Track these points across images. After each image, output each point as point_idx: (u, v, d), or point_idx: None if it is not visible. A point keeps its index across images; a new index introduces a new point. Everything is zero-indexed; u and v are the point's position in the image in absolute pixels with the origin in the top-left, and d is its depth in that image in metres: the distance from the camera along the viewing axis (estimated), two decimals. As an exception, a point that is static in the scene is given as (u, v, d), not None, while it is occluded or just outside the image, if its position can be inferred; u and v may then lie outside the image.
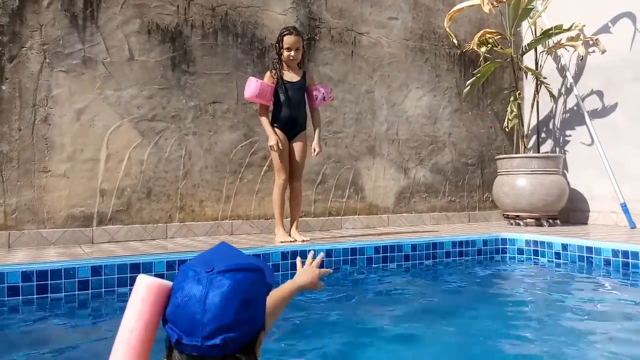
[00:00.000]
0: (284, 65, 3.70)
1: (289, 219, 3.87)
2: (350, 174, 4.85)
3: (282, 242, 3.57)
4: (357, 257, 3.44)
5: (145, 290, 0.94)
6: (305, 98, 3.79)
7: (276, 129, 3.67)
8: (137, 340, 0.93)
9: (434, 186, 5.26)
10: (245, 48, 4.41)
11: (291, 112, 3.69)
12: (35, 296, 2.53)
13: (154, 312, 0.93)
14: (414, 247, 3.63)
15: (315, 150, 3.76)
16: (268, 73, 3.70)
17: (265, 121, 3.67)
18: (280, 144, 3.61)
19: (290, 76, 3.71)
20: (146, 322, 0.93)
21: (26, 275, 2.54)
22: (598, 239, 3.59)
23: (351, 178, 4.85)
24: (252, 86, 3.59)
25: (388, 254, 3.53)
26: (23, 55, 3.68)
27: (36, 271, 2.56)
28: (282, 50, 3.65)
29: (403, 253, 3.58)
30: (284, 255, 3.23)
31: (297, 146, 3.72)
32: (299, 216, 3.88)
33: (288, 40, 3.62)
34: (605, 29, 4.98)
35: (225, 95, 4.33)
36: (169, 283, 0.95)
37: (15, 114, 3.65)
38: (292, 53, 3.63)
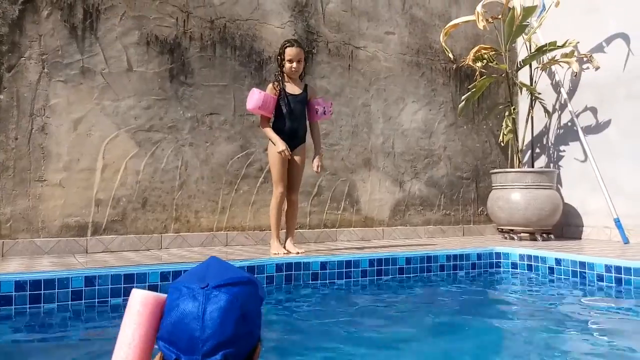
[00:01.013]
0: (286, 77, 3.72)
1: (284, 231, 3.88)
2: (346, 187, 4.87)
3: (275, 253, 3.58)
4: (352, 269, 3.44)
5: (140, 303, 0.93)
6: (306, 111, 3.81)
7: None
8: (136, 355, 0.92)
9: (429, 199, 5.29)
10: (243, 60, 4.45)
11: (292, 124, 3.70)
12: (28, 306, 2.52)
13: (150, 325, 0.92)
14: (408, 260, 3.64)
15: (317, 167, 3.76)
16: (270, 85, 3.71)
17: (269, 131, 3.67)
18: (288, 151, 3.61)
19: (292, 88, 3.73)
20: (143, 336, 0.92)
21: (19, 285, 2.53)
22: (592, 254, 3.61)
23: (347, 190, 4.87)
24: (255, 97, 3.59)
25: (382, 267, 3.54)
26: (22, 65, 3.70)
27: (29, 281, 2.55)
28: (284, 62, 3.67)
29: (397, 266, 3.59)
30: (279, 267, 3.24)
31: (295, 159, 3.73)
32: (295, 228, 3.88)
33: (290, 52, 3.64)
34: (599, 47, 5.05)
35: (222, 107, 4.35)
36: (164, 296, 0.94)
37: (12, 122, 3.66)
38: (294, 65, 3.65)
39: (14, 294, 2.51)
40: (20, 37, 3.70)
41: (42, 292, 2.57)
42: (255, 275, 3.10)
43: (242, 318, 0.89)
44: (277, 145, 3.61)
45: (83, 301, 2.64)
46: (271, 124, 3.73)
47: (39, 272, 2.68)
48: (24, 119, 3.69)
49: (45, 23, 3.78)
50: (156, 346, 0.93)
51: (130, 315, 0.93)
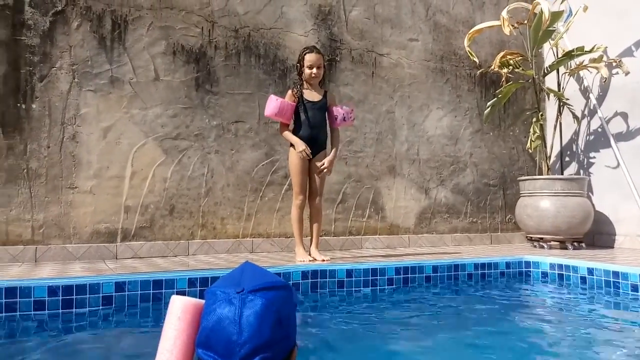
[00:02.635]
0: (305, 84, 3.74)
1: (309, 238, 3.87)
2: (370, 194, 4.84)
3: (301, 260, 3.57)
4: (378, 277, 3.41)
5: (181, 310, 0.94)
6: (326, 117, 3.81)
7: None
8: None
9: (455, 207, 5.22)
10: (267, 69, 4.48)
11: (311, 131, 3.71)
12: (60, 310, 2.56)
13: (191, 331, 0.93)
14: (435, 268, 3.59)
15: (323, 164, 3.68)
16: (289, 92, 3.74)
17: (287, 134, 3.71)
18: (307, 150, 3.63)
19: (312, 95, 3.74)
20: (185, 342, 0.92)
21: (52, 290, 2.57)
22: (625, 264, 3.51)
23: (371, 197, 4.85)
24: (272, 105, 3.63)
25: (409, 275, 3.50)
26: (53, 75, 3.79)
27: (62, 286, 2.60)
28: (303, 68, 3.69)
29: (424, 274, 3.54)
30: (304, 275, 3.23)
31: (317, 165, 3.73)
32: (319, 235, 3.87)
33: (309, 58, 3.66)
34: (628, 51, 4.94)
35: (247, 115, 4.39)
36: (203, 301, 0.95)
37: (44, 131, 3.74)
38: (314, 71, 3.66)
39: (47, 298, 2.56)
40: (51, 48, 3.79)
41: (74, 297, 2.60)
42: (282, 282, 3.10)
43: (279, 322, 0.89)
44: (297, 145, 3.63)
45: (113, 306, 2.67)
46: (291, 131, 3.74)
47: (71, 278, 2.72)
48: (56, 127, 3.78)
49: (75, 34, 3.87)
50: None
51: (171, 322, 0.94)
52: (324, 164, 3.69)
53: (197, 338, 0.91)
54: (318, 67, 3.67)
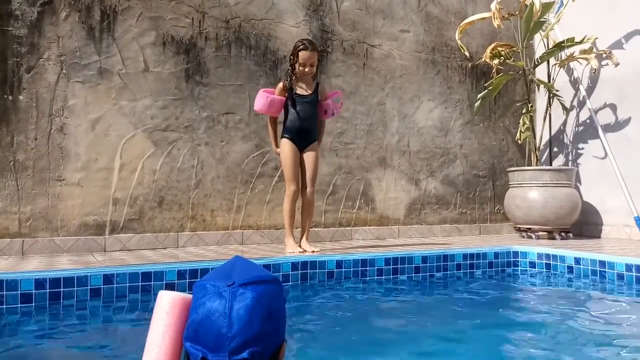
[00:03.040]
0: (297, 78, 3.72)
1: (299, 229, 3.88)
2: (361, 185, 4.85)
3: (291, 252, 3.58)
4: (368, 268, 3.43)
5: (169, 304, 0.93)
6: (317, 110, 3.81)
7: (287, 139, 3.69)
8: (167, 356, 0.92)
9: (445, 198, 5.25)
10: (258, 60, 4.46)
11: (302, 124, 3.71)
12: (47, 303, 2.56)
13: (179, 326, 0.92)
14: (424, 259, 3.61)
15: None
16: (280, 84, 3.72)
17: (271, 131, 3.81)
18: (278, 152, 3.79)
19: (302, 89, 3.72)
20: (173, 337, 0.92)
21: (39, 283, 2.57)
22: (611, 253, 3.55)
23: (362, 189, 4.86)
24: (262, 101, 3.64)
25: (398, 266, 3.52)
26: (40, 66, 3.75)
27: (49, 279, 2.59)
28: (296, 63, 3.65)
29: (414, 265, 3.57)
30: (294, 266, 3.24)
31: (308, 156, 3.73)
32: (310, 227, 3.88)
33: (303, 55, 3.61)
34: (618, 43, 4.96)
35: (237, 106, 4.37)
36: (191, 296, 0.94)
37: (31, 123, 3.71)
38: (307, 69, 3.65)
39: (34, 291, 2.55)
40: (39, 39, 3.75)
41: (62, 289, 2.60)
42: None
43: (269, 316, 0.89)
44: (273, 149, 3.84)
45: (101, 299, 2.68)
46: (281, 124, 3.76)
47: (59, 271, 2.72)
48: (43, 119, 3.75)
49: (63, 24, 3.83)
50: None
51: (159, 317, 0.93)
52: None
53: (185, 332, 0.90)
54: (311, 65, 3.65)
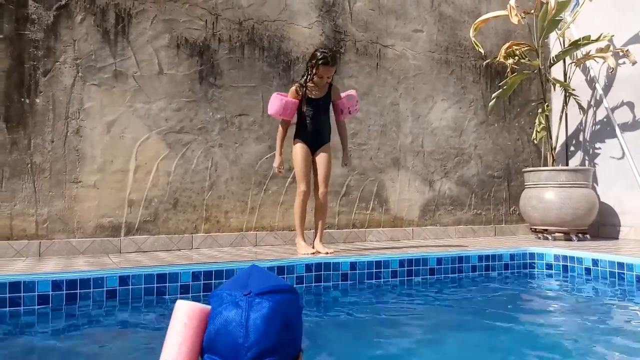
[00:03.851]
0: (312, 84, 3.67)
1: (311, 231, 3.87)
2: (374, 186, 4.83)
3: (304, 254, 3.57)
4: (382, 270, 3.41)
5: (187, 315, 0.91)
6: (330, 111, 3.79)
7: (299, 141, 3.69)
8: None
9: (459, 199, 5.21)
10: (271, 61, 4.47)
11: (314, 126, 3.70)
12: (64, 305, 2.58)
13: (196, 338, 0.90)
14: (439, 260, 3.58)
15: (345, 165, 3.96)
16: (293, 88, 3.68)
17: (278, 139, 3.72)
18: (282, 168, 3.75)
19: (316, 92, 3.70)
20: (190, 350, 0.89)
21: (56, 284, 2.59)
22: (630, 254, 3.49)
23: (375, 190, 4.84)
24: (277, 104, 3.61)
25: (413, 268, 3.50)
26: (57, 70, 3.79)
27: (66, 280, 2.62)
28: (315, 73, 3.58)
29: (428, 267, 3.54)
30: (308, 268, 3.23)
31: (321, 158, 3.73)
32: (324, 228, 3.87)
33: (324, 70, 3.56)
34: (635, 40, 4.89)
35: (251, 108, 4.38)
36: (209, 307, 0.92)
37: (48, 126, 3.76)
38: (324, 80, 3.63)
39: (51, 293, 2.58)
40: (55, 42, 3.80)
41: (78, 291, 2.63)
42: (285, 276, 3.11)
43: (285, 326, 0.88)
44: (276, 158, 3.73)
45: (117, 300, 2.69)
46: (294, 125, 3.74)
47: (75, 272, 2.74)
48: (60, 122, 3.79)
49: (79, 28, 3.87)
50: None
51: (176, 328, 0.91)
52: (345, 165, 3.97)
53: (204, 340, 0.89)
54: (329, 77, 3.64)
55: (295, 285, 3.17)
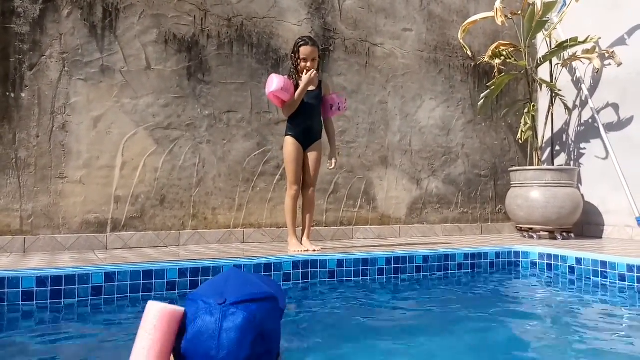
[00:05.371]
0: (301, 76, 3.70)
1: (300, 228, 3.88)
2: (362, 184, 4.85)
3: (295, 251, 3.58)
4: (369, 267, 3.43)
5: (157, 318, 0.89)
6: (321, 106, 3.80)
7: (291, 138, 3.68)
8: None
9: (446, 197, 5.25)
10: (260, 58, 4.46)
11: (306, 121, 3.70)
12: (49, 301, 2.56)
13: (165, 341, 0.88)
14: (425, 258, 3.61)
15: (332, 164, 3.81)
16: (286, 77, 3.69)
17: (296, 96, 3.59)
18: (313, 72, 3.59)
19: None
20: (158, 354, 0.87)
21: (41, 281, 2.57)
22: (613, 254, 3.54)
23: (363, 188, 4.86)
24: (276, 80, 3.52)
25: (400, 265, 3.52)
26: (43, 64, 3.75)
27: (51, 276, 2.59)
28: (298, 60, 3.66)
29: (415, 264, 3.57)
30: (296, 265, 3.24)
31: (311, 155, 3.73)
32: (311, 225, 3.88)
33: (304, 51, 3.63)
34: (621, 42, 4.95)
35: (239, 105, 4.37)
36: (181, 309, 0.90)
37: (33, 121, 3.72)
38: (309, 64, 3.64)
39: (35, 289, 2.55)
40: (41, 36, 3.75)
41: (63, 287, 2.60)
42: (272, 273, 3.11)
43: (260, 337, 0.86)
44: (306, 81, 3.56)
45: (103, 297, 2.68)
46: (286, 122, 3.73)
47: (60, 268, 2.72)
48: (45, 117, 3.75)
49: (65, 22, 3.83)
50: None
51: (146, 330, 0.89)
52: (332, 164, 3.80)
53: (180, 346, 0.87)
54: (313, 60, 3.64)
55: (281, 283, 3.17)
